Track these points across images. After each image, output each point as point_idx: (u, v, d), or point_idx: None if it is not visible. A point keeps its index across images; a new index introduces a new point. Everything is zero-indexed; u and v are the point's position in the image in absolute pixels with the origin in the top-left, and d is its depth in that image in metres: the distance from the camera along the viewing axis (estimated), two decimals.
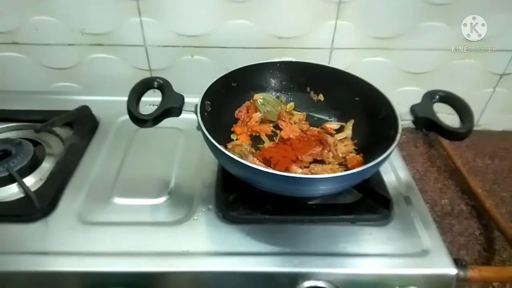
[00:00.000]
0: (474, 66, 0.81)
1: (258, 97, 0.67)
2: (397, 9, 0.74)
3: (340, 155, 0.61)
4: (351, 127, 0.65)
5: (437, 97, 0.55)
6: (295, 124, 0.67)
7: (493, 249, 0.66)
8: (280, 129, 0.66)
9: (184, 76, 0.82)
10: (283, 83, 0.69)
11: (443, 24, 0.75)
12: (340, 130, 0.66)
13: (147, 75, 0.83)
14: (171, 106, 0.52)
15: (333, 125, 0.67)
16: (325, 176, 0.46)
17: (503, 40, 0.77)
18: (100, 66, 0.81)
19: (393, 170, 0.65)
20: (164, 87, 0.54)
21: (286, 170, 0.56)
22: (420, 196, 0.61)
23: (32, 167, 0.60)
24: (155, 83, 0.54)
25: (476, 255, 0.65)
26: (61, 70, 0.83)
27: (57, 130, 0.69)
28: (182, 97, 0.54)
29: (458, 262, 0.50)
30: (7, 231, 0.52)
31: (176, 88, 0.55)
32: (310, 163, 0.60)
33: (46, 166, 0.62)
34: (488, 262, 0.64)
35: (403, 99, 0.55)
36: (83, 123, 0.70)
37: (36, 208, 0.53)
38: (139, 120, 0.50)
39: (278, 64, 0.67)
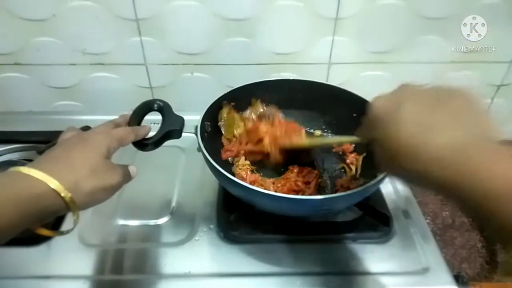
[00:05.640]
0: (471, 77, 0.82)
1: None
2: (393, 24, 0.75)
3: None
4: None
5: None
6: None
7: (495, 262, 0.66)
8: None
9: (184, 92, 0.83)
10: (282, 100, 0.69)
11: (439, 37, 0.76)
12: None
13: (147, 92, 0.84)
14: (172, 129, 0.52)
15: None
16: (324, 197, 0.46)
17: (500, 51, 0.78)
18: (101, 85, 0.82)
19: (391, 182, 0.65)
20: (164, 109, 0.54)
21: None
22: (419, 209, 0.61)
23: None
24: (155, 105, 0.55)
25: (479, 268, 0.65)
26: (63, 89, 0.83)
27: None
28: (182, 119, 0.54)
29: (459, 279, 0.50)
30: (10, 254, 0.53)
31: (177, 104, 0.55)
32: None
33: None
34: (491, 275, 0.64)
35: None
36: None
37: None
38: (139, 144, 0.50)
39: (276, 82, 0.67)
